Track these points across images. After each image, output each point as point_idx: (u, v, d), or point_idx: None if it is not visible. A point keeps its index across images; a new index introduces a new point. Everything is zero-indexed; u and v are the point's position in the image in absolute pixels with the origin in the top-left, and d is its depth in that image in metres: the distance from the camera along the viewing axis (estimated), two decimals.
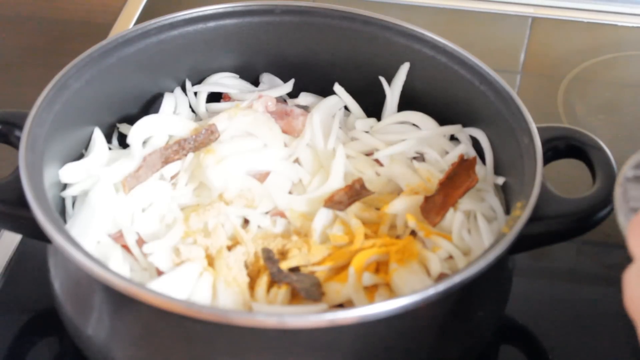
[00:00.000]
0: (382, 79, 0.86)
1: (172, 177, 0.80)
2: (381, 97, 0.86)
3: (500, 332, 0.80)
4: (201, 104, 0.87)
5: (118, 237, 0.75)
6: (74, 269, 0.71)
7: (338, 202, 0.78)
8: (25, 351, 0.79)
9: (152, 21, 0.83)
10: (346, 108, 0.87)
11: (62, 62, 0.79)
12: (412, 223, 0.76)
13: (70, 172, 0.77)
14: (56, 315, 0.76)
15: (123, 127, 0.84)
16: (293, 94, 0.88)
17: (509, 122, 0.77)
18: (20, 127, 0.74)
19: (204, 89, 0.87)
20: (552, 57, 1.12)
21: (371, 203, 0.79)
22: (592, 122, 1.03)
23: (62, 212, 0.78)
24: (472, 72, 0.81)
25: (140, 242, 0.75)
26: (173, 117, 0.84)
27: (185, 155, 0.80)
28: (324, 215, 0.77)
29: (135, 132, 0.81)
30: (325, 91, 0.87)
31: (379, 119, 0.86)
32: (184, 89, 0.87)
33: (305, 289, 0.71)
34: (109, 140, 0.82)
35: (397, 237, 0.76)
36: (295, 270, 0.73)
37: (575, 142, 0.77)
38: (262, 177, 0.80)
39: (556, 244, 0.74)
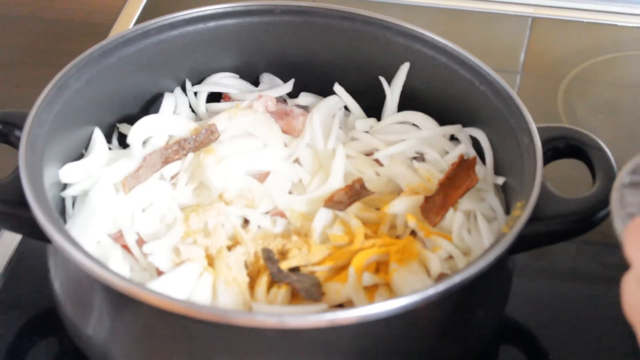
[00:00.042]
0: (382, 79, 0.86)
1: (172, 177, 0.80)
2: (381, 97, 0.86)
3: (500, 332, 0.80)
4: (201, 104, 0.87)
5: (118, 237, 0.75)
6: (74, 269, 0.71)
7: (338, 202, 0.78)
8: (25, 351, 0.79)
9: (152, 21, 0.83)
10: (346, 108, 0.87)
11: (62, 62, 0.79)
12: (412, 223, 0.76)
13: (70, 172, 0.77)
14: (56, 315, 0.76)
15: (123, 127, 0.84)
16: (293, 94, 0.88)
17: (509, 122, 0.77)
18: (20, 127, 0.74)
19: (204, 89, 0.87)
20: (552, 57, 1.12)
21: (371, 203, 0.79)
22: (592, 122, 1.03)
23: (62, 212, 0.78)
24: (472, 72, 0.81)
25: (140, 242, 0.75)
26: (173, 117, 0.84)
27: (185, 155, 0.80)
28: (324, 215, 0.77)
29: (135, 132, 0.81)
30: (325, 91, 0.87)
31: (379, 119, 0.86)
32: (184, 89, 0.87)
33: (305, 289, 0.71)
34: (109, 140, 0.82)
35: (397, 237, 0.76)
36: (295, 270, 0.73)
37: (575, 142, 0.77)
38: (262, 177, 0.80)
39: (556, 244, 0.74)
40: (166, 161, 0.80)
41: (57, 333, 0.78)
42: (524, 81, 1.09)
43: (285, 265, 0.73)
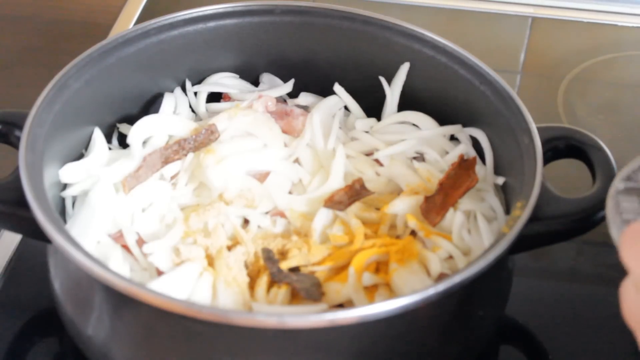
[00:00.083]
0: (382, 79, 0.86)
1: (172, 177, 0.80)
2: (381, 97, 0.86)
3: (500, 332, 0.80)
4: (201, 104, 0.87)
5: (118, 237, 0.75)
6: (74, 269, 0.71)
7: (338, 202, 0.78)
8: (25, 351, 0.79)
9: (152, 21, 0.83)
10: (346, 108, 0.87)
11: (62, 62, 0.79)
12: (412, 223, 0.76)
13: (70, 172, 0.77)
14: (56, 315, 0.76)
15: (123, 127, 0.84)
16: (293, 94, 0.88)
17: (509, 122, 0.77)
18: (20, 127, 0.74)
19: (204, 89, 0.87)
20: (552, 57, 1.12)
21: (371, 203, 0.79)
22: (592, 122, 1.03)
23: (62, 212, 0.78)
24: (472, 72, 0.81)
25: (140, 242, 0.75)
26: (173, 117, 0.84)
27: (185, 155, 0.80)
28: (324, 215, 0.77)
29: (135, 132, 0.81)
30: (325, 91, 0.87)
31: (379, 119, 0.86)
32: (184, 89, 0.87)
33: (305, 289, 0.71)
34: (109, 140, 0.82)
35: (397, 237, 0.76)
36: (295, 270, 0.73)
37: (575, 142, 0.77)
38: (262, 177, 0.80)
39: (556, 244, 0.74)
40: (166, 161, 0.80)
41: (57, 333, 0.78)
42: (524, 81, 1.09)
43: (285, 265, 0.73)
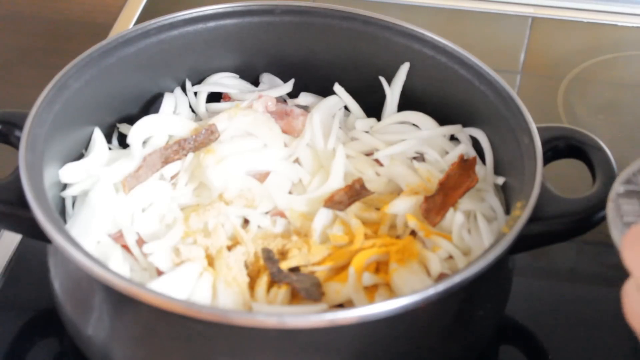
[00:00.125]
0: (382, 79, 0.86)
1: (172, 177, 0.80)
2: (381, 97, 0.86)
3: (500, 332, 0.80)
4: (201, 104, 0.87)
5: (118, 237, 0.75)
6: (74, 269, 0.71)
7: (338, 202, 0.78)
8: (25, 351, 0.79)
9: (152, 21, 0.83)
10: (346, 108, 0.87)
11: (62, 62, 0.79)
12: (412, 223, 0.76)
13: (70, 172, 0.77)
14: (56, 315, 0.76)
15: (123, 127, 0.84)
16: (293, 94, 0.88)
17: (509, 122, 0.77)
18: (20, 127, 0.74)
19: (204, 89, 0.87)
20: (552, 57, 1.12)
21: (371, 203, 0.79)
22: (592, 122, 1.03)
23: (62, 212, 0.78)
24: (472, 72, 0.81)
25: (140, 242, 0.75)
26: (173, 117, 0.84)
27: (185, 155, 0.80)
28: (324, 215, 0.77)
29: (135, 132, 0.81)
30: (325, 91, 0.87)
31: (379, 119, 0.86)
32: (184, 89, 0.87)
33: (305, 289, 0.71)
34: (109, 140, 0.82)
35: (397, 237, 0.76)
36: (295, 270, 0.73)
37: (575, 142, 0.77)
38: (262, 177, 0.80)
39: (556, 244, 0.74)
40: (166, 161, 0.80)
41: (57, 333, 0.78)
42: (524, 81, 1.09)
43: (285, 265, 0.73)
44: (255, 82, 0.89)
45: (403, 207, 0.77)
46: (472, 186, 0.78)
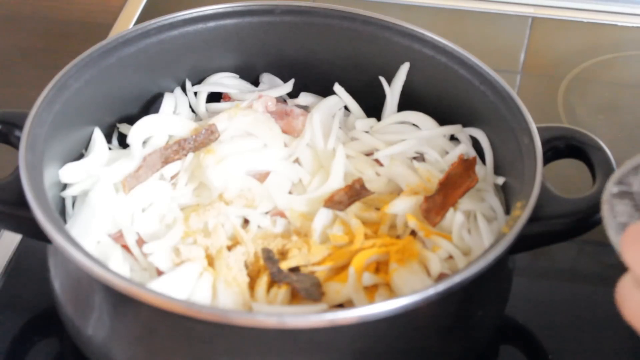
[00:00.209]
0: (382, 79, 0.86)
1: (172, 177, 0.80)
2: (381, 97, 0.86)
3: (500, 332, 0.80)
4: (201, 104, 0.87)
5: (118, 237, 0.75)
6: (74, 269, 0.71)
7: (338, 202, 0.78)
8: (25, 351, 0.79)
9: (152, 21, 0.83)
10: (346, 108, 0.87)
11: (62, 62, 0.79)
12: (412, 223, 0.76)
13: (70, 172, 0.77)
14: (56, 315, 0.76)
15: (123, 127, 0.84)
16: (293, 94, 0.88)
17: (509, 122, 0.77)
18: (20, 127, 0.74)
19: (204, 89, 0.87)
20: (552, 57, 1.12)
21: (371, 203, 0.79)
22: (592, 122, 1.03)
23: (62, 212, 0.78)
24: (472, 72, 0.81)
25: (140, 242, 0.75)
26: (173, 117, 0.84)
27: (185, 155, 0.80)
28: (324, 215, 0.77)
29: (135, 132, 0.81)
30: (325, 91, 0.87)
31: (379, 119, 0.86)
32: (184, 89, 0.87)
33: (305, 289, 0.71)
34: (109, 140, 0.82)
35: (397, 237, 0.76)
36: (295, 270, 0.73)
37: (575, 142, 0.77)
38: (262, 177, 0.80)
39: (556, 244, 0.74)
40: (166, 161, 0.80)
41: (57, 333, 0.79)
42: (524, 81, 1.09)
43: (285, 265, 0.73)
44: (255, 82, 0.89)
45: (403, 207, 0.77)
46: (472, 186, 0.78)
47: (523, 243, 0.70)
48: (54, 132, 0.75)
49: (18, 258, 0.86)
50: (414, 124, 0.85)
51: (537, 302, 0.84)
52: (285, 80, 0.89)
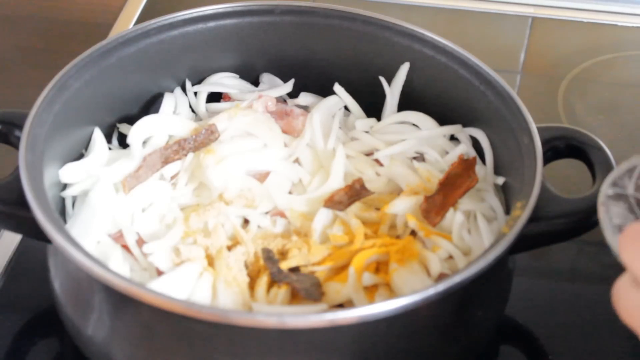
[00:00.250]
0: (382, 79, 0.86)
1: (172, 177, 0.80)
2: (381, 97, 0.86)
3: (500, 332, 0.80)
4: (201, 104, 0.87)
5: (118, 237, 0.75)
6: (74, 269, 0.71)
7: (338, 202, 0.78)
8: (25, 351, 0.79)
9: (152, 21, 0.83)
10: (346, 108, 0.87)
11: (62, 62, 0.79)
12: (412, 223, 0.76)
13: (70, 172, 0.77)
14: (56, 315, 0.76)
15: (123, 127, 0.84)
16: (293, 94, 0.88)
17: (509, 122, 0.77)
18: (20, 127, 0.74)
19: (204, 89, 0.87)
20: (552, 57, 1.12)
21: (371, 203, 0.79)
22: (592, 122, 1.03)
23: (62, 212, 0.78)
24: (472, 72, 0.81)
25: (140, 242, 0.75)
26: (173, 117, 0.84)
27: (185, 155, 0.80)
28: (324, 215, 0.77)
29: (135, 132, 0.81)
30: (325, 91, 0.87)
31: (379, 119, 0.86)
32: (184, 89, 0.87)
33: (305, 289, 0.71)
34: (109, 140, 0.82)
35: (397, 237, 0.76)
36: (295, 270, 0.73)
37: (575, 142, 0.77)
38: (262, 177, 0.80)
39: (556, 244, 0.74)
40: (166, 161, 0.80)
41: (57, 333, 0.78)
42: (524, 81, 1.09)
43: (285, 265, 0.73)
44: (255, 82, 0.89)
45: (403, 207, 0.77)
46: (472, 186, 0.78)
47: (523, 243, 0.70)
48: (54, 132, 0.75)
49: (18, 258, 0.86)
50: (414, 124, 0.85)
51: (537, 302, 0.84)
52: (285, 80, 0.89)
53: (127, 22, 1.14)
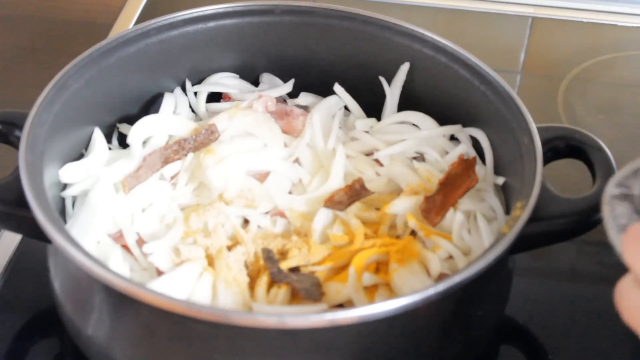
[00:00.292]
0: (382, 79, 0.86)
1: (172, 177, 0.80)
2: (381, 97, 0.86)
3: (500, 332, 0.80)
4: (201, 104, 0.87)
5: (118, 237, 0.75)
6: (74, 269, 0.71)
7: (338, 202, 0.78)
8: (25, 351, 0.79)
9: (152, 21, 0.83)
10: (346, 108, 0.87)
11: (62, 62, 0.79)
12: (412, 223, 0.76)
13: (70, 172, 0.77)
14: (56, 315, 0.76)
15: (123, 127, 0.84)
16: (293, 94, 0.88)
17: (509, 122, 0.77)
18: (20, 127, 0.74)
19: (204, 89, 0.87)
20: (552, 57, 1.12)
21: (371, 203, 0.79)
22: (592, 122, 1.03)
23: (62, 212, 0.78)
24: (472, 72, 0.81)
25: (140, 242, 0.75)
26: (173, 117, 0.84)
27: (185, 155, 0.80)
28: (324, 215, 0.77)
29: (135, 132, 0.81)
30: (325, 91, 0.87)
31: (379, 119, 0.86)
32: (184, 89, 0.87)
33: (305, 289, 0.71)
34: (109, 140, 0.82)
35: (397, 237, 0.76)
36: (295, 270, 0.73)
37: (575, 142, 0.77)
38: (262, 177, 0.80)
39: (556, 244, 0.74)
40: (166, 161, 0.80)
41: (57, 333, 0.78)
42: (524, 81, 1.09)
43: (285, 265, 0.73)
44: (255, 82, 0.89)
45: (403, 207, 0.77)
46: (472, 186, 0.78)
47: (523, 243, 0.70)
48: (54, 132, 0.75)
49: (18, 258, 0.86)
50: (414, 124, 0.85)
51: (537, 302, 0.84)
52: (285, 80, 0.89)
53: (127, 22, 1.14)
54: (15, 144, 0.75)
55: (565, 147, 0.77)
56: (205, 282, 0.71)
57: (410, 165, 0.82)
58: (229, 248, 0.75)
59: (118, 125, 0.84)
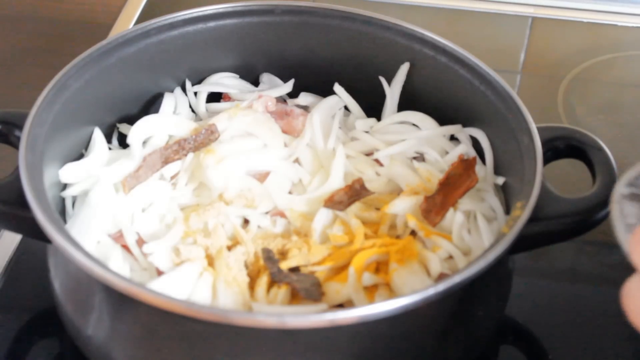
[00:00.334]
0: (382, 79, 0.86)
1: (172, 177, 0.80)
2: (381, 97, 0.86)
3: (500, 332, 0.80)
4: (201, 104, 0.87)
5: (118, 237, 0.75)
6: (74, 269, 0.71)
7: (338, 202, 0.78)
8: (25, 351, 0.79)
9: (152, 21, 0.83)
10: (346, 108, 0.87)
11: (62, 62, 0.79)
12: (412, 223, 0.76)
13: (70, 172, 0.77)
14: (56, 315, 0.76)
15: (123, 127, 0.84)
16: (293, 94, 0.88)
17: (509, 122, 0.77)
18: (20, 127, 0.74)
19: (204, 89, 0.87)
20: (552, 57, 1.12)
21: (371, 203, 0.79)
22: (592, 122, 1.03)
23: (62, 212, 0.78)
24: (472, 72, 0.81)
25: (140, 242, 0.75)
26: (173, 117, 0.84)
27: (185, 155, 0.80)
28: (324, 215, 0.77)
29: (135, 132, 0.81)
30: (325, 91, 0.87)
31: (379, 119, 0.86)
32: (184, 89, 0.87)
33: (305, 289, 0.71)
34: (109, 140, 0.82)
35: (397, 237, 0.76)
36: (295, 270, 0.73)
37: (575, 142, 0.77)
38: (262, 177, 0.80)
39: (556, 244, 0.74)
40: (166, 161, 0.80)
41: (57, 333, 0.78)
42: (524, 81, 1.09)
43: (285, 265, 0.73)
44: (255, 82, 0.89)
45: (403, 207, 0.77)
46: (472, 186, 0.78)
47: (523, 243, 0.70)
48: (54, 132, 0.75)
49: (18, 258, 0.86)
50: (414, 124, 0.85)
51: (537, 302, 0.84)
52: (285, 80, 0.89)
53: (127, 22, 1.14)
54: (15, 144, 0.75)
55: (565, 147, 0.77)
56: (205, 282, 0.71)
57: (410, 165, 0.82)
58: (229, 248, 0.75)
59: (118, 125, 0.84)
